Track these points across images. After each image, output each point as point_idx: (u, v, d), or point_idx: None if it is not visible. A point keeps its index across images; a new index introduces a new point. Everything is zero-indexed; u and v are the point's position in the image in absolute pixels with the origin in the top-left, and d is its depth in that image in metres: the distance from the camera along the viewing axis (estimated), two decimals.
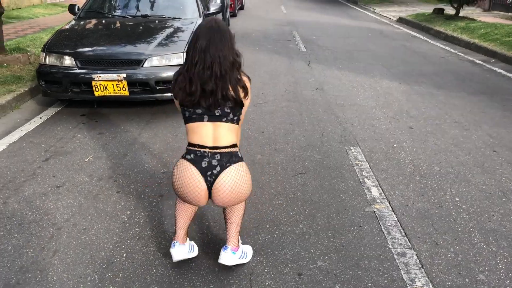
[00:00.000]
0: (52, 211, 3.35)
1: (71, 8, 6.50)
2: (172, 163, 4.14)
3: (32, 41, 9.01)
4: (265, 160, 4.27)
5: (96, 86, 5.02)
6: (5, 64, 6.67)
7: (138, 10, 6.45)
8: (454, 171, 4.08)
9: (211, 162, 2.39)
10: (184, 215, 2.65)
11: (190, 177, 2.41)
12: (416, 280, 2.63)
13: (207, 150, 2.40)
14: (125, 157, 4.29)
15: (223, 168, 2.40)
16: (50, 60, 5.24)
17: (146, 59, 5.11)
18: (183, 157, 2.47)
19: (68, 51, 5.24)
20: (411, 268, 2.74)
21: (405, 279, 2.64)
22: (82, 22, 6.08)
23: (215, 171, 2.40)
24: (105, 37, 5.54)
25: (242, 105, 2.43)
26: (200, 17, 6.28)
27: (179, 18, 6.23)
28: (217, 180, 2.40)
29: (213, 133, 2.40)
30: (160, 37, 5.51)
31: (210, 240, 3.01)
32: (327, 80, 7.27)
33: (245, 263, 2.76)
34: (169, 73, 5.10)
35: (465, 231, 3.15)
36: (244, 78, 2.42)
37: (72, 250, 2.88)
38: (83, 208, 3.39)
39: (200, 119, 2.40)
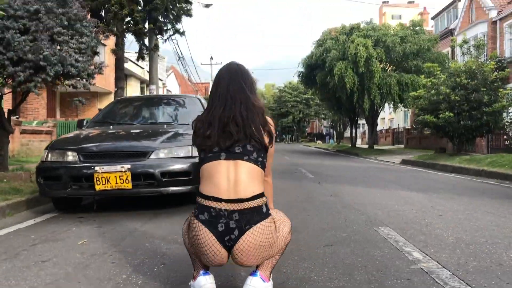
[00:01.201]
0: (33, 278, 2.76)
1: (80, 123, 6.52)
2: (176, 255, 3.58)
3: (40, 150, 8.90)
4: None
5: (97, 179, 4.69)
6: (5, 180, 6.44)
7: (146, 118, 6.46)
8: (504, 241, 3.52)
9: (229, 224, 1.99)
10: None
11: (207, 244, 2.01)
12: None
13: (223, 206, 1.99)
14: (124, 240, 3.76)
15: (242, 232, 1.99)
16: (52, 156, 5.01)
17: (152, 151, 4.89)
18: (196, 215, 2.06)
19: (71, 147, 5.05)
20: None
21: None
22: (89, 129, 6.02)
23: (233, 236, 1.99)
24: (111, 136, 5.41)
25: (266, 149, 2.14)
26: None
27: (187, 124, 6.20)
28: (235, 247, 2.00)
29: (231, 177, 2.02)
30: (168, 134, 5.37)
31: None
32: (341, 190, 6.94)
33: None
34: (177, 165, 4.83)
35: None
36: (270, 122, 2.20)
37: None
38: (70, 275, 2.81)
39: (216, 157, 2.07)
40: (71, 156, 4.94)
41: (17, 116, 15.08)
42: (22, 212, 5.58)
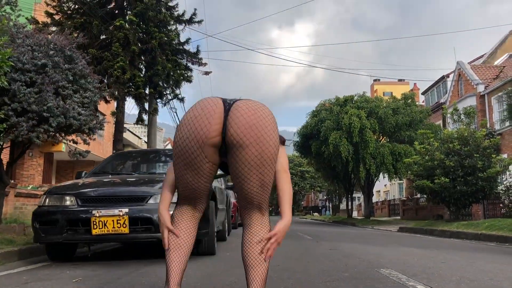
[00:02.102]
0: None
1: (78, 174, 6.52)
2: None
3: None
4: (285, 275, 3.64)
5: (94, 223, 4.63)
6: None
7: (144, 169, 6.48)
8: (510, 281, 3.45)
9: (226, 100, 2.11)
10: (177, 259, 2.19)
11: (207, 100, 2.06)
12: None
13: None
14: (120, 279, 3.65)
15: (241, 99, 2.11)
16: (50, 201, 4.97)
17: (151, 196, 4.87)
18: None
19: (70, 192, 5.03)
20: None
21: None
22: (87, 178, 6.02)
23: (231, 101, 2.08)
24: (109, 182, 5.40)
25: None
26: None
27: None
28: (235, 104, 2.05)
29: None
30: None
31: None
32: (340, 245, 6.83)
33: None
34: None
35: None
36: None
37: None
38: None
39: None
40: (69, 201, 4.91)
41: (12, 180, 15.02)
42: (14, 262, 5.43)
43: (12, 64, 5.81)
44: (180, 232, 2.19)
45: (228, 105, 2.02)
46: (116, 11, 12.27)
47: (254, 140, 1.96)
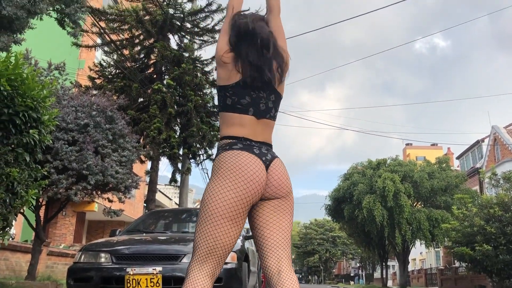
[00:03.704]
0: None
1: (113, 232, 6.55)
2: None
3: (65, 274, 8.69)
4: None
5: (128, 281, 4.59)
6: None
7: (177, 228, 6.46)
8: None
9: (261, 149, 2.12)
10: None
11: (248, 161, 2.04)
12: None
13: (253, 142, 2.13)
14: None
15: (273, 156, 2.15)
16: (85, 258, 4.99)
17: (185, 255, 4.82)
18: (227, 149, 2.09)
19: (105, 249, 5.04)
20: None
21: None
22: (121, 236, 6.04)
23: (268, 157, 2.11)
24: (143, 240, 5.41)
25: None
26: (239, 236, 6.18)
27: None
28: (272, 164, 2.11)
29: (256, 129, 2.18)
30: None
31: None
32: None
33: None
34: None
35: None
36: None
37: None
38: None
39: (244, 111, 2.15)
40: (103, 258, 4.92)
41: (46, 239, 15.23)
42: None
43: (57, 123, 6.07)
44: None
45: (266, 165, 2.10)
46: (155, 76, 12.82)
47: (287, 192, 2.15)
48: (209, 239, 2.03)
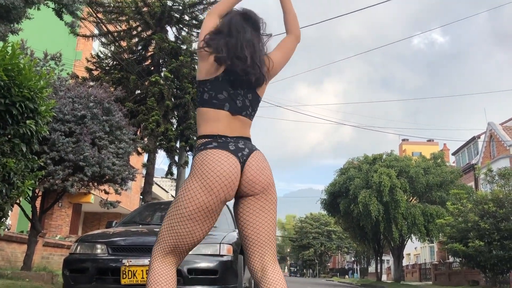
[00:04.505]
0: None
1: (109, 224, 6.57)
2: None
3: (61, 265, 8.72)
4: None
5: (124, 272, 4.60)
6: (27, 279, 6.33)
7: None
8: None
9: (238, 144, 2.10)
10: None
11: (223, 158, 2.03)
12: None
13: (228, 138, 2.11)
14: None
15: (251, 150, 2.12)
16: (81, 249, 4.99)
17: None
18: (202, 149, 2.09)
19: (101, 240, 5.05)
20: None
21: None
22: (118, 228, 6.05)
23: (245, 152, 2.09)
24: (140, 232, 5.42)
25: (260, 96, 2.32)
26: (234, 229, 6.21)
27: (215, 226, 6.16)
28: (249, 159, 2.09)
29: (232, 125, 2.17)
30: None
31: None
32: None
33: None
34: (204, 263, 4.75)
35: None
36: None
37: None
38: None
39: (220, 106, 2.15)
40: (100, 249, 4.92)
41: (43, 231, 15.22)
42: None
43: (54, 114, 6.06)
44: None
45: (243, 160, 2.09)
46: (152, 68, 12.79)
47: (264, 188, 2.13)
48: (174, 236, 2.09)
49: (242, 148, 2.09)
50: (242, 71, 2.12)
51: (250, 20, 2.27)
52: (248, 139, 2.18)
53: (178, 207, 2.08)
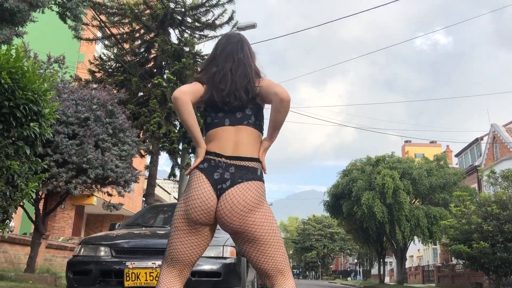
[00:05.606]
0: None
1: (112, 226, 6.57)
2: None
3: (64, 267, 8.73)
4: None
5: (127, 275, 4.60)
6: (30, 281, 6.34)
7: None
8: None
9: (224, 174, 2.10)
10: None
11: (201, 188, 2.10)
12: None
13: (222, 160, 2.12)
14: None
15: (233, 184, 2.08)
16: (85, 251, 5.00)
17: None
18: (197, 166, 2.17)
19: (104, 242, 5.06)
20: None
21: None
22: (121, 230, 6.05)
23: (224, 186, 2.09)
24: (143, 234, 5.43)
25: (260, 107, 2.31)
26: None
27: (218, 229, 6.15)
28: (223, 195, 2.08)
29: (234, 139, 2.18)
30: None
31: None
32: None
33: None
34: (208, 266, 4.74)
35: None
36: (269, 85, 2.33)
37: None
38: None
39: (221, 123, 2.21)
40: (103, 251, 4.93)
41: (46, 233, 15.27)
42: None
43: (58, 117, 6.07)
44: None
45: (218, 195, 2.10)
46: (155, 70, 12.81)
47: (237, 227, 2.08)
48: (171, 248, 2.21)
49: (225, 179, 2.09)
50: (220, 102, 2.19)
51: (239, 43, 2.34)
52: (247, 161, 2.13)
53: (172, 222, 2.23)
